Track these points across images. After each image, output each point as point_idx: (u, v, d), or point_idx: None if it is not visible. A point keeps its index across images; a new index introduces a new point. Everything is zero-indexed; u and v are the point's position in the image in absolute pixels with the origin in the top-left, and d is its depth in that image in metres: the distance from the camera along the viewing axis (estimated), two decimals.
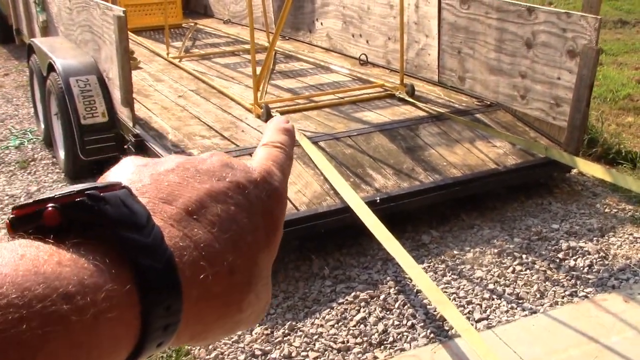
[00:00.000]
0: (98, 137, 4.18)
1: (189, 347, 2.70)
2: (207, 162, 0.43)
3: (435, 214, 3.71)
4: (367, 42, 5.60)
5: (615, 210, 3.80)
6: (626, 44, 8.01)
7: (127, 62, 3.76)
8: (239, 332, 3.21)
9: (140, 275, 0.34)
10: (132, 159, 0.43)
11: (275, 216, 0.44)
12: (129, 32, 3.87)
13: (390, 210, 3.38)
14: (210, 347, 2.72)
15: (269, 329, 2.81)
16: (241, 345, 2.73)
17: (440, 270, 3.21)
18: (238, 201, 0.41)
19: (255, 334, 2.79)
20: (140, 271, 0.34)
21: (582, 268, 3.21)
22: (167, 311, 0.35)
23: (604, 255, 3.32)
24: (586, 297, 3.01)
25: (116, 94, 4.04)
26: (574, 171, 4.16)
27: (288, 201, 3.20)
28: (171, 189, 0.40)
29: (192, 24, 7.41)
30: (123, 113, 4.02)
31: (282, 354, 2.66)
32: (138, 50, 6.03)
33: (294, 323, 2.84)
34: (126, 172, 0.42)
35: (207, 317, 0.39)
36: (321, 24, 6.19)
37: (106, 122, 4.21)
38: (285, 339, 2.76)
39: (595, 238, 3.49)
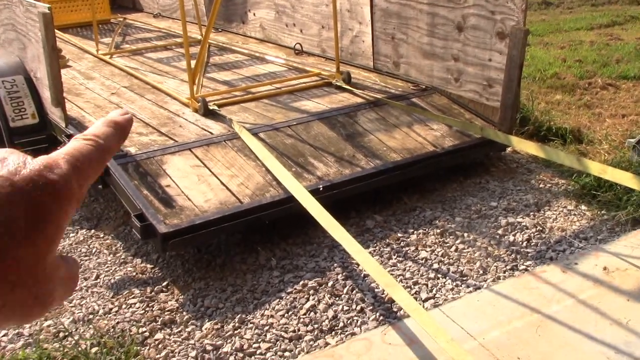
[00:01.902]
0: (29, 139, 4.03)
1: (138, 348, 2.66)
2: None
3: (377, 198, 3.75)
4: (301, 31, 5.60)
5: (549, 185, 3.94)
6: (551, 25, 8.28)
7: (56, 60, 3.63)
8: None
9: None
10: None
11: (43, 209, 0.43)
12: (55, 30, 3.74)
13: (334, 197, 3.40)
14: (160, 345, 2.68)
15: (219, 324, 2.79)
16: (191, 341, 2.70)
17: (386, 254, 3.25)
18: None
19: (205, 329, 2.76)
20: None
21: (521, 242, 3.32)
22: None
23: (541, 229, 3.44)
24: (526, 270, 3.11)
25: (46, 94, 3.91)
26: (509, 149, 4.28)
27: (231, 194, 3.20)
28: None
29: (121, 19, 7.23)
30: (54, 113, 3.89)
31: (233, 348, 2.65)
32: (66, 47, 5.85)
33: (243, 316, 2.83)
34: None
35: None
36: (254, 14, 6.15)
37: (37, 124, 4.07)
38: (235, 332, 2.75)
39: (532, 213, 3.60)
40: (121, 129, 0.52)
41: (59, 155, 0.46)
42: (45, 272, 0.44)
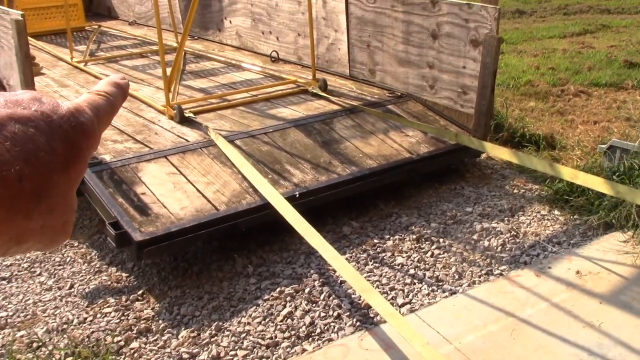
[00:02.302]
0: None
1: (114, 357, 2.63)
2: (19, 96, 0.49)
3: (354, 205, 3.77)
4: (278, 39, 5.61)
5: (523, 191, 3.99)
6: (524, 33, 8.40)
7: (29, 67, 3.60)
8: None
9: None
10: None
11: (77, 146, 0.50)
12: (28, 37, 3.71)
13: (310, 204, 3.41)
14: (135, 354, 2.66)
15: (196, 331, 2.77)
16: (168, 350, 2.68)
17: (363, 260, 3.27)
18: (38, 125, 0.47)
19: (182, 337, 2.74)
20: None
21: (495, 247, 3.36)
22: None
23: (515, 234, 3.48)
24: (501, 274, 3.14)
25: None
26: (483, 156, 4.33)
27: (207, 202, 3.19)
28: None
29: (96, 27, 7.18)
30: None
31: (210, 355, 2.63)
32: (39, 55, 5.79)
33: (220, 323, 2.82)
34: None
35: None
36: (230, 22, 6.15)
37: None
38: (212, 339, 2.73)
39: (506, 218, 3.65)
40: (123, 90, 0.58)
41: (83, 103, 0.53)
42: (72, 202, 0.51)
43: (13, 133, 0.45)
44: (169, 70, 4.19)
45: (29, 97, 0.49)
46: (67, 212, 0.50)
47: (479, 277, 3.12)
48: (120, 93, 0.57)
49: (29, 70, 3.61)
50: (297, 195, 3.37)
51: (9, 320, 2.93)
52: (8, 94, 0.49)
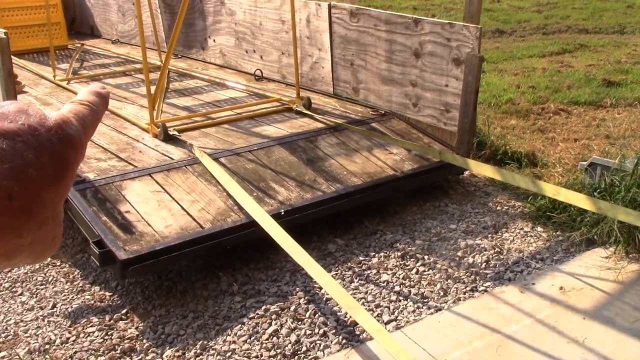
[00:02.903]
0: None
1: None
2: (4, 108, 0.48)
3: (339, 222, 3.77)
4: (262, 57, 5.64)
5: (506, 208, 4.03)
6: (505, 52, 8.52)
7: (12, 85, 3.58)
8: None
9: None
10: None
11: (66, 159, 0.49)
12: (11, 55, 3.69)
13: (295, 221, 3.41)
14: None
15: (180, 351, 2.75)
16: None
17: (348, 277, 3.27)
18: (26, 140, 0.46)
19: (166, 356, 2.72)
20: None
21: (480, 264, 3.38)
22: None
23: (499, 250, 3.51)
24: (486, 291, 3.16)
25: None
26: (467, 173, 4.37)
27: (192, 220, 3.18)
28: None
29: (79, 45, 7.17)
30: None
31: None
32: (21, 73, 5.76)
33: (205, 342, 2.80)
34: None
35: None
36: (214, 41, 6.17)
37: None
38: (197, 358, 2.71)
39: (490, 235, 3.67)
40: (104, 99, 0.57)
41: (69, 114, 0.52)
42: (60, 215, 0.51)
43: (1, 149, 0.44)
44: (153, 88, 4.19)
45: (15, 109, 0.48)
46: (56, 226, 0.50)
47: (464, 293, 3.14)
48: (102, 102, 0.57)
49: (12, 88, 3.59)
50: (283, 213, 3.37)
51: None
52: None
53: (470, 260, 3.41)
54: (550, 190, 3.26)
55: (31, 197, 0.46)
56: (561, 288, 3.15)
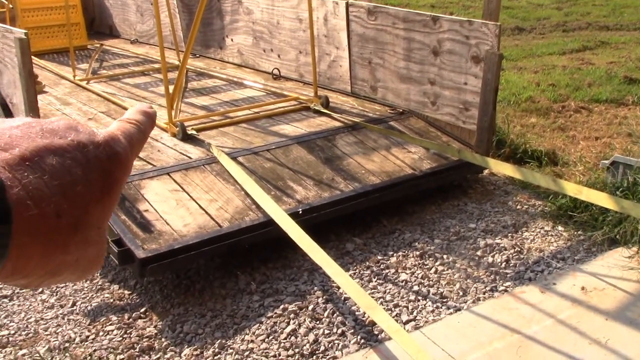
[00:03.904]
0: None
1: None
2: (54, 124, 0.48)
3: (357, 221, 3.76)
4: (279, 56, 5.63)
5: (527, 207, 3.98)
6: (524, 50, 8.44)
7: (32, 85, 3.61)
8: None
9: None
10: None
11: (113, 176, 0.49)
12: (31, 55, 3.72)
13: (313, 220, 3.40)
14: None
15: (199, 349, 2.75)
16: None
17: (366, 276, 3.25)
18: (75, 156, 0.46)
19: (185, 355, 2.72)
20: None
21: (499, 263, 3.34)
22: None
23: (519, 249, 3.47)
24: (506, 291, 3.12)
25: None
26: (486, 172, 4.33)
27: (210, 219, 3.18)
28: (11, 140, 0.44)
29: (98, 45, 7.22)
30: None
31: None
32: (42, 73, 5.82)
33: (223, 341, 2.80)
34: None
35: (31, 252, 0.43)
36: (231, 40, 6.18)
37: None
38: (215, 358, 2.71)
39: (509, 234, 3.63)
40: (152, 119, 0.57)
41: (117, 131, 0.52)
42: (105, 234, 0.50)
43: (51, 166, 0.44)
44: (171, 88, 4.21)
45: (65, 125, 0.48)
46: (100, 244, 0.50)
47: (484, 293, 3.11)
48: (149, 122, 0.57)
49: (32, 89, 3.62)
50: (300, 212, 3.36)
51: (10, 339, 2.91)
52: (44, 121, 0.48)
53: (490, 259, 3.38)
54: (572, 189, 3.22)
55: (79, 214, 0.46)
56: (583, 288, 3.10)
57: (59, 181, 0.44)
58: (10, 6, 6.60)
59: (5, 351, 2.82)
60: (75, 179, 0.45)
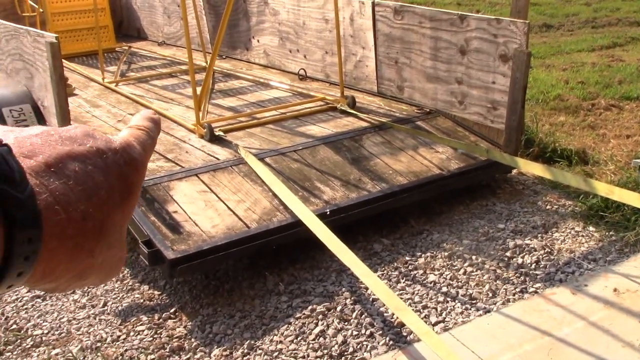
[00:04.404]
0: None
1: None
2: (72, 131, 0.49)
3: (384, 222, 3.74)
4: (305, 57, 5.64)
5: (556, 207, 3.93)
6: (552, 47, 8.34)
7: (63, 88, 3.67)
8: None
9: (5, 210, 0.40)
10: (1, 126, 0.49)
11: (130, 182, 0.51)
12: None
13: (341, 221, 3.40)
14: None
15: (228, 350, 2.77)
16: None
17: (394, 277, 3.24)
18: (96, 162, 0.48)
19: (214, 356, 2.74)
20: (5, 204, 0.40)
21: (529, 264, 3.30)
22: (29, 243, 0.41)
23: (549, 250, 3.43)
24: (536, 292, 3.09)
25: (53, 122, 3.93)
26: (514, 171, 4.28)
27: (239, 219, 3.20)
28: (33, 147, 0.46)
29: (126, 48, 7.30)
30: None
31: None
32: (72, 76, 5.90)
33: (252, 342, 2.82)
34: None
35: (60, 256, 0.44)
36: (258, 41, 6.21)
37: None
38: (245, 358, 2.72)
39: (539, 235, 3.59)
40: (158, 125, 0.59)
41: (129, 138, 0.54)
42: (124, 237, 0.52)
43: (74, 172, 0.46)
44: (198, 89, 4.24)
45: (82, 132, 0.50)
46: (121, 246, 0.51)
47: (513, 295, 3.08)
48: (156, 127, 0.59)
49: (63, 92, 3.68)
50: (328, 213, 3.36)
51: (44, 338, 2.96)
52: (61, 129, 0.49)
53: (520, 260, 3.34)
54: (603, 189, 3.17)
55: (103, 217, 0.47)
56: (615, 290, 3.05)
57: (82, 186, 0.46)
58: (41, 10, 6.71)
59: (39, 350, 2.87)
60: (97, 184, 0.47)
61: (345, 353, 2.72)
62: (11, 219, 0.40)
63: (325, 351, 2.73)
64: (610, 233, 3.58)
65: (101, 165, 0.48)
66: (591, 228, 3.66)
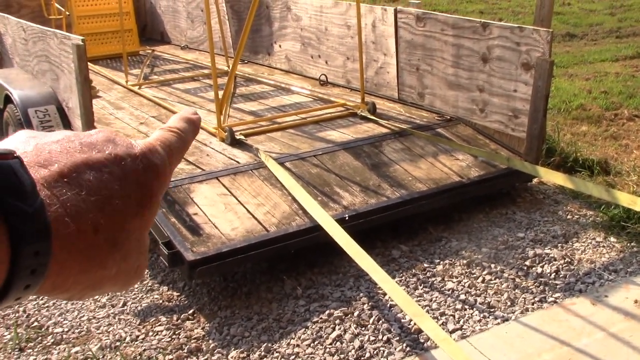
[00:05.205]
0: None
1: None
2: (93, 137, 0.48)
3: (403, 228, 3.74)
4: (327, 62, 5.66)
5: (577, 217, 3.90)
6: (575, 56, 8.28)
7: (88, 90, 3.72)
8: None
9: (12, 223, 0.40)
10: (26, 131, 0.48)
11: (150, 188, 0.49)
12: None
13: (360, 226, 3.40)
14: None
15: (245, 352, 2.79)
16: None
17: (412, 284, 3.24)
18: (112, 170, 0.47)
19: (232, 357, 2.76)
20: (11, 217, 0.40)
21: (549, 274, 3.28)
22: (36, 256, 0.41)
23: (569, 260, 3.40)
24: (555, 302, 3.07)
25: (77, 123, 3.99)
26: (535, 180, 4.26)
27: (258, 223, 3.22)
28: (50, 156, 0.45)
29: (150, 51, 7.38)
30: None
31: None
32: (96, 79, 5.98)
33: (269, 345, 2.83)
34: (16, 141, 0.47)
35: (70, 268, 0.43)
36: (280, 46, 6.24)
37: None
38: None
39: (559, 244, 3.57)
40: (195, 126, 0.57)
41: (155, 142, 0.52)
42: (145, 245, 0.50)
43: (89, 181, 0.45)
44: (220, 93, 4.27)
45: (103, 138, 0.49)
46: (140, 256, 0.50)
47: (532, 304, 3.06)
48: (192, 129, 0.57)
49: (88, 93, 3.73)
50: (347, 218, 3.37)
51: (64, 336, 2.99)
52: (83, 134, 0.49)
53: (539, 270, 3.32)
54: (626, 199, 3.14)
55: (116, 228, 0.46)
56: (636, 301, 3.02)
57: (96, 197, 0.45)
58: (67, 13, 6.81)
59: (59, 348, 2.91)
60: (112, 194, 0.46)
61: (362, 358, 2.72)
62: (17, 233, 0.40)
63: (342, 356, 2.73)
64: (632, 244, 3.54)
65: (118, 173, 0.47)
66: (612, 239, 3.63)
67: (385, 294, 3.05)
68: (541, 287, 3.18)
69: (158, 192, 0.50)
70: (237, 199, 3.44)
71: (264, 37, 6.41)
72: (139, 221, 0.48)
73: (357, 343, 2.80)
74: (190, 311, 3.11)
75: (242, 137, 4.17)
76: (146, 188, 0.49)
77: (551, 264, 3.36)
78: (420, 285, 3.22)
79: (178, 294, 3.29)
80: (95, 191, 0.45)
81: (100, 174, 0.46)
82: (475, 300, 3.09)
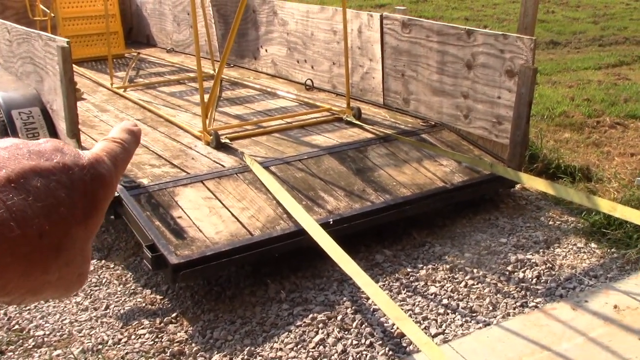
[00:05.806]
0: None
1: None
2: (41, 146, 0.49)
3: (387, 233, 3.76)
4: (312, 67, 5.68)
5: (559, 223, 3.94)
6: (559, 64, 8.37)
7: (72, 92, 3.71)
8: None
9: None
10: None
11: (96, 198, 0.50)
12: None
13: (344, 231, 3.42)
14: None
15: (228, 356, 2.79)
16: None
17: (395, 288, 3.25)
18: (60, 179, 0.47)
19: None
20: None
21: (530, 279, 3.32)
22: None
23: (550, 266, 3.44)
24: (536, 307, 3.10)
25: (61, 126, 3.98)
26: (518, 186, 4.30)
27: (242, 227, 3.22)
28: None
29: (135, 54, 7.36)
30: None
31: None
32: (81, 81, 5.95)
33: (252, 348, 2.83)
34: None
35: (12, 272, 0.44)
36: (266, 50, 6.25)
37: None
38: None
39: (541, 250, 3.60)
40: (136, 137, 0.58)
41: (102, 152, 0.53)
42: (88, 253, 0.51)
43: (36, 187, 0.45)
44: (206, 97, 4.27)
45: (51, 147, 0.50)
46: (83, 264, 0.50)
47: (514, 309, 3.09)
48: (134, 140, 0.58)
49: (73, 95, 3.72)
50: (331, 222, 3.38)
51: (45, 339, 2.98)
52: (31, 143, 0.49)
53: (521, 275, 3.35)
54: (606, 206, 3.19)
55: (61, 235, 0.47)
56: (615, 307, 3.06)
57: (42, 203, 0.45)
58: (52, 15, 6.78)
59: (41, 351, 2.89)
60: (58, 201, 0.46)
61: None
62: None
63: (325, 359, 2.75)
64: (612, 250, 3.59)
65: (65, 181, 0.48)
66: (593, 245, 3.67)
67: (368, 298, 3.07)
68: (522, 292, 3.21)
69: (104, 201, 0.51)
70: (221, 202, 3.44)
71: (250, 41, 6.42)
72: (84, 229, 0.49)
73: (340, 347, 2.81)
74: (174, 314, 3.11)
75: (227, 140, 4.18)
76: (93, 197, 0.50)
77: (533, 269, 3.39)
78: (404, 290, 3.24)
79: (161, 297, 3.29)
80: (42, 198, 0.45)
81: (48, 182, 0.46)
82: (458, 305, 3.11)
